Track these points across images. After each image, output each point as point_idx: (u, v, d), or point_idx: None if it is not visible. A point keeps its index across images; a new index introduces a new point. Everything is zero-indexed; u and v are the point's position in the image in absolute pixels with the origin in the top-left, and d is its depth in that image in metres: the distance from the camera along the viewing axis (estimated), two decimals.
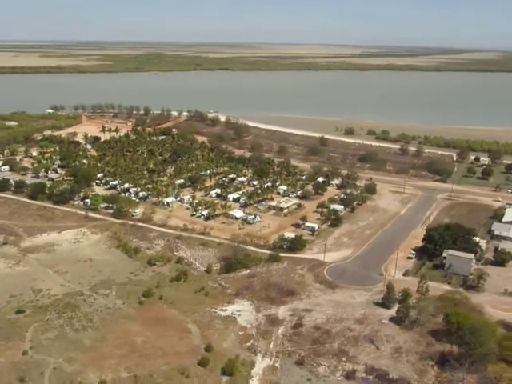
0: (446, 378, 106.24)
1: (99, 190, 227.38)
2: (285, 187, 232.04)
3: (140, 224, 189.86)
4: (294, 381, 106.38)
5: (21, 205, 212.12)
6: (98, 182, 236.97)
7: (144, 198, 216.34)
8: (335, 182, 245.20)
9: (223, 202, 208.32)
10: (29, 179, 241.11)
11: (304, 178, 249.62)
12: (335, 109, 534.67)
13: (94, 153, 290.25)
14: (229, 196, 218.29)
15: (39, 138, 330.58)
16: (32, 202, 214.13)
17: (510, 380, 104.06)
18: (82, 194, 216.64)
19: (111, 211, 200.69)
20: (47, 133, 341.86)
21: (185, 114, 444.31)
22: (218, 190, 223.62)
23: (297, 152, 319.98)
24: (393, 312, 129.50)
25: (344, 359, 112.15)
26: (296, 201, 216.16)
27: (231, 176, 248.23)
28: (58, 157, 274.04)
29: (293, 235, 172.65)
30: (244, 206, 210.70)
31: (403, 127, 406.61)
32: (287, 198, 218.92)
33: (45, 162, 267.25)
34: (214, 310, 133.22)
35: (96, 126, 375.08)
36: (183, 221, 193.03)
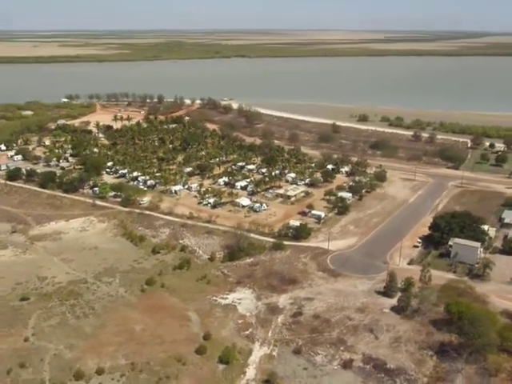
0: (444, 368, 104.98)
1: (109, 179, 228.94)
2: (293, 175, 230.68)
3: (147, 212, 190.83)
4: (290, 370, 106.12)
5: (31, 193, 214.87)
6: (107, 170, 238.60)
7: (152, 187, 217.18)
8: (345, 169, 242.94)
9: (231, 190, 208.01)
10: (40, 168, 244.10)
11: (313, 165, 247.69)
12: (351, 95, 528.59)
13: (106, 141, 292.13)
14: (236, 184, 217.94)
15: (53, 127, 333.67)
16: (42, 190, 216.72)
17: (509, 371, 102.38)
18: (91, 183, 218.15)
19: (119, 200, 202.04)
20: (61, 122, 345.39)
21: (198, 101, 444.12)
22: (226, 178, 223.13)
23: (308, 139, 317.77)
24: (395, 301, 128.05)
25: (342, 348, 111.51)
26: (304, 188, 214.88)
27: (240, 164, 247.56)
28: (69, 146, 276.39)
29: (298, 223, 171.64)
30: (251, 193, 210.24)
31: (419, 113, 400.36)
32: (295, 185, 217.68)
33: (57, 151, 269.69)
34: (214, 298, 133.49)
35: (110, 115, 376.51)
36: (190, 209, 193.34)
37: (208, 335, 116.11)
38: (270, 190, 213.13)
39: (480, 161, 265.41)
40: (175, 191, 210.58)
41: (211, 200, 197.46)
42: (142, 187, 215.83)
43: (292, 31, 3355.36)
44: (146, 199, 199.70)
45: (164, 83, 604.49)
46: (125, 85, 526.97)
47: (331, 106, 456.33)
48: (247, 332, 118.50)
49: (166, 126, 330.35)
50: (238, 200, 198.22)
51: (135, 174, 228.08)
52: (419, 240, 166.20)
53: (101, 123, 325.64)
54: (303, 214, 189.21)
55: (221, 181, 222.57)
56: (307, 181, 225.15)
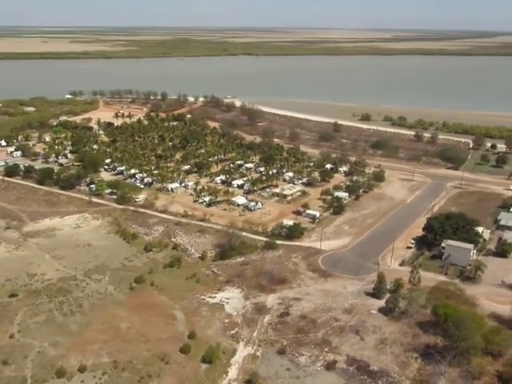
0: (428, 370, 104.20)
1: (106, 176, 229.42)
2: (291, 174, 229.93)
3: (141, 210, 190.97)
4: (273, 370, 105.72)
5: (28, 190, 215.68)
6: (105, 167, 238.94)
7: (149, 184, 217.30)
8: (343, 168, 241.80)
9: (227, 189, 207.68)
10: (39, 164, 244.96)
11: (312, 164, 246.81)
12: (355, 94, 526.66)
13: (106, 138, 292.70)
14: (233, 182, 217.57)
15: (55, 123, 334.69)
16: (39, 187, 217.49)
17: (492, 374, 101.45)
18: (88, 180, 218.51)
19: (115, 197, 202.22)
20: (63, 118, 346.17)
21: (201, 99, 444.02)
22: (223, 177, 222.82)
23: (309, 138, 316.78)
24: (383, 302, 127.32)
25: (326, 349, 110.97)
26: (300, 188, 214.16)
27: (238, 162, 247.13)
28: (69, 142, 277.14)
29: (291, 223, 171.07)
30: (247, 192, 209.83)
31: (423, 113, 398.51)
32: (291, 184, 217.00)
33: (56, 147, 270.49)
34: (203, 297, 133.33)
35: (112, 112, 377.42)
36: (185, 207, 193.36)
37: (193, 334, 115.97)
38: (267, 189, 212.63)
39: (480, 162, 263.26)
40: (171, 189, 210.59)
41: (206, 198, 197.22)
42: (138, 185, 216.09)
43: (300, 29, 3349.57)
44: (141, 197, 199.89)
45: (169, 80, 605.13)
46: (130, 82, 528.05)
47: (334, 104, 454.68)
48: (233, 332, 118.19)
49: (166, 124, 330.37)
50: (233, 198, 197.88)
51: (133, 171, 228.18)
52: (412, 241, 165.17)
53: (102, 120, 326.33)
54: (298, 213, 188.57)
55: (218, 179, 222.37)
56: (305, 180, 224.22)
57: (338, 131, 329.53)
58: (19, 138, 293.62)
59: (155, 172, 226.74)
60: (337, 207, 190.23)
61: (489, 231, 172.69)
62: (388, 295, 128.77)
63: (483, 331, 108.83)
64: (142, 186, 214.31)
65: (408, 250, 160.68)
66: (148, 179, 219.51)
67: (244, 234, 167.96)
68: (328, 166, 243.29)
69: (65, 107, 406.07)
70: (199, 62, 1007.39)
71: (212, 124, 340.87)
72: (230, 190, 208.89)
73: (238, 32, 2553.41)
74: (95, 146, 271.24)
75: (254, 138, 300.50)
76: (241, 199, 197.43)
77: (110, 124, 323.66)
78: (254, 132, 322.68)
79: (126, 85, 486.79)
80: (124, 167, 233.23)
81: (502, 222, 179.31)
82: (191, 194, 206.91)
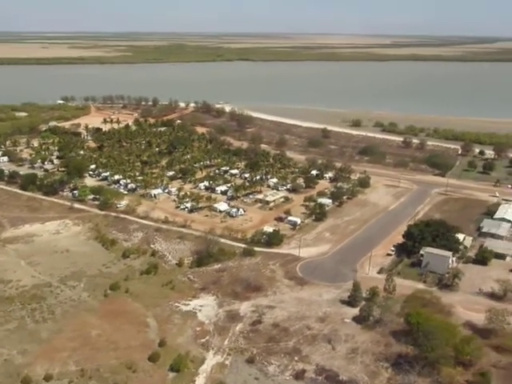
0: (398, 380, 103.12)
1: (91, 182, 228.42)
2: (275, 180, 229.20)
3: (123, 216, 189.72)
4: (241, 379, 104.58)
5: (11, 195, 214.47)
6: (90, 173, 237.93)
7: (133, 190, 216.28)
8: (329, 175, 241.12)
9: (209, 195, 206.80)
10: (25, 170, 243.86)
11: (297, 170, 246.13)
12: (349, 100, 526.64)
13: (93, 144, 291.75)
14: (217, 188, 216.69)
15: (44, 128, 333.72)
16: (23, 192, 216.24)
17: None
18: (71, 185, 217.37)
19: (98, 203, 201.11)
20: (52, 124, 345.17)
21: (192, 105, 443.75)
22: (207, 183, 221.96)
23: (297, 144, 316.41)
24: (358, 311, 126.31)
25: (296, 358, 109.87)
26: (284, 194, 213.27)
27: (224, 168, 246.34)
28: (55, 148, 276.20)
29: (271, 229, 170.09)
30: (231, 198, 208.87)
31: (414, 119, 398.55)
32: (275, 191, 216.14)
33: (43, 153, 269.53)
34: (176, 304, 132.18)
35: (103, 117, 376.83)
36: (167, 213, 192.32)
37: (163, 342, 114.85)
38: (250, 195, 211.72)
39: (467, 168, 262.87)
40: (154, 195, 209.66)
41: (188, 204, 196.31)
42: (122, 191, 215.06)
43: (297, 35, 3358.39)
44: (123, 203, 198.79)
45: (162, 86, 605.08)
46: (122, 87, 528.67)
47: (326, 110, 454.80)
48: (203, 340, 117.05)
49: (154, 129, 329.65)
50: (215, 205, 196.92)
51: (117, 177, 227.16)
52: (393, 248, 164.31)
53: (90, 125, 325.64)
54: (280, 219, 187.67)
55: (201, 185, 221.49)
56: (289, 186, 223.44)
57: (326, 137, 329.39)
58: (7, 143, 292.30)
59: (139, 178, 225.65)
60: (319, 214, 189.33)
61: (471, 238, 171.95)
62: (363, 303, 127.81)
63: (455, 341, 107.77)
64: (125, 192, 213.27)
65: (388, 258, 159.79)
66: (132, 185, 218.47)
67: (223, 240, 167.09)
68: (314, 172, 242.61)
69: (56, 112, 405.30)
70: (193, 67, 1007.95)
71: (201, 130, 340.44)
72: (214, 196, 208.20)
73: (234, 38, 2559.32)
74: (82, 152, 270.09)
75: (241, 143, 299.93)
76: (223, 205, 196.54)
77: (98, 129, 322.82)
78: (242, 138, 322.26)
79: (118, 90, 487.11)
80: (108, 173, 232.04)
81: (484, 230, 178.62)
82: (174, 200, 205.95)
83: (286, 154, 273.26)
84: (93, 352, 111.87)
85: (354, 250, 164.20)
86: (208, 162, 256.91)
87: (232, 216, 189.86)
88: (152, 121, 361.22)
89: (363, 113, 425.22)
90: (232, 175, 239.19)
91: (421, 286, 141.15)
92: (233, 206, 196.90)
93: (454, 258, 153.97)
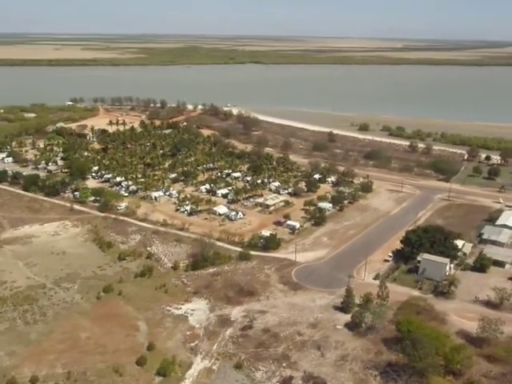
0: None
1: (93, 183, 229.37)
2: (277, 183, 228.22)
3: (122, 218, 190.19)
4: None
5: (14, 196, 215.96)
6: (93, 174, 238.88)
7: (134, 192, 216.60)
8: (331, 179, 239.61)
9: (211, 198, 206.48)
10: (29, 171, 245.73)
11: (300, 174, 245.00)
12: (357, 103, 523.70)
13: (98, 146, 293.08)
14: (218, 191, 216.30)
15: (51, 130, 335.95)
16: (25, 193, 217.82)
17: None
18: (73, 187, 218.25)
19: (98, 204, 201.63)
20: (59, 125, 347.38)
21: (200, 107, 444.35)
22: (208, 186, 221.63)
23: (303, 147, 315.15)
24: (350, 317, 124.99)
25: (284, 365, 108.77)
26: (284, 198, 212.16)
27: (226, 171, 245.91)
28: (60, 149, 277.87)
29: (268, 233, 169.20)
30: (231, 202, 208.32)
31: (422, 123, 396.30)
32: (275, 195, 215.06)
33: (48, 154, 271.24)
34: (168, 307, 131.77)
35: (109, 119, 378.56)
36: (166, 216, 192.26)
37: (152, 346, 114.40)
38: (251, 199, 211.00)
39: (473, 173, 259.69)
40: (155, 197, 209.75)
41: (188, 207, 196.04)
42: (123, 193, 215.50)
43: (310, 38, 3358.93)
44: (123, 205, 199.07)
45: (172, 88, 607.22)
46: (133, 89, 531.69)
47: (334, 114, 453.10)
48: (192, 344, 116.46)
49: (159, 132, 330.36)
50: (214, 208, 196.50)
51: (118, 179, 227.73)
52: (390, 254, 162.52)
53: (96, 127, 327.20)
54: (278, 223, 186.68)
55: (203, 188, 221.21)
56: (290, 190, 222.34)
57: (332, 141, 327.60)
58: (13, 144, 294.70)
59: (141, 180, 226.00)
60: (318, 218, 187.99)
61: (471, 245, 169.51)
62: (356, 310, 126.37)
63: (445, 350, 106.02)
64: (126, 194, 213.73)
65: (385, 264, 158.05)
66: (133, 187, 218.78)
67: (220, 244, 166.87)
68: (316, 176, 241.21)
69: (64, 114, 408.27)
70: (206, 69, 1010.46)
71: (207, 132, 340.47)
72: (215, 199, 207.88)
73: (248, 40, 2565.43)
74: (86, 154, 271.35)
75: (245, 146, 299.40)
76: (222, 209, 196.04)
77: (104, 131, 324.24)
78: (247, 141, 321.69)
79: (129, 92, 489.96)
80: (110, 175, 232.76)
81: (484, 236, 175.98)
82: (174, 203, 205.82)
83: (289, 157, 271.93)
84: (81, 355, 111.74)
85: (352, 255, 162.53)
86: (211, 165, 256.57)
87: (231, 219, 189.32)
88: (158, 123, 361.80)
89: (371, 117, 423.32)
90: (234, 178, 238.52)
91: (416, 292, 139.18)
92: (232, 210, 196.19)
93: (451, 265, 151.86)
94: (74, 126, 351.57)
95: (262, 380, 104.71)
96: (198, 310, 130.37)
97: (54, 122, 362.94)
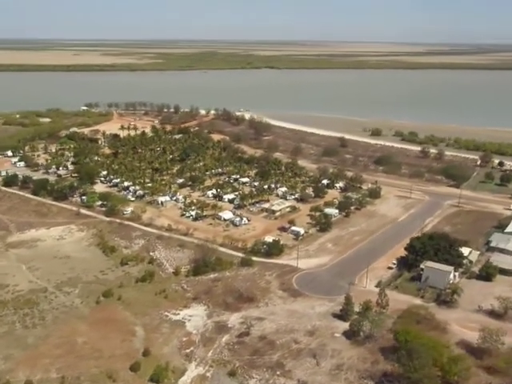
0: None
1: (101, 188, 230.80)
2: (284, 189, 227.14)
3: (127, 223, 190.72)
4: None
5: (23, 200, 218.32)
6: (102, 179, 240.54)
7: (141, 197, 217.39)
8: (339, 184, 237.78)
9: (216, 203, 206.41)
10: (40, 175, 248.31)
11: (308, 179, 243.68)
12: (372, 108, 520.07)
13: (109, 150, 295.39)
14: (224, 197, 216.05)
15: (64, 134, 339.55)
16: (34, 197, 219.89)
17: None
18: (81, 191, 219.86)
19: (105, 209, 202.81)
20: (73, 130, 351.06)
21: (212, 112, 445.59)
22: (215, 191, 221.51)
23: (313, 153, 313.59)
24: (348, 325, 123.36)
25: (278, 373, 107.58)
26: (290, 203, 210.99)
27: (234, 176, 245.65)
28: (71, 154, 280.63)
29: (271, 239, 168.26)
30: (237, 207, 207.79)
31: (436, 128, 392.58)
32: (281, 200, 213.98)
33: (59, 158, 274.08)
34: (166, 313, 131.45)
35: (125, 124, 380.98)
36: (171, 221, 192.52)
37: (147, 351, 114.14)
38: (257, 204, 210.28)
39: (484, 180, 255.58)
40: (161, 202, 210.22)
41: (193, 212, 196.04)
42: (130, 197, 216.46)
43: (330, 42, 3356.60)
44: (129, 209, 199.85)
45: (187, 93, 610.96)
46: (149, 94, 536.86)
47: (348, 118, 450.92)
48: (188, 350, 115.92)
49: (170, 136, 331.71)
50: (220, 213, 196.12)
51: (126, 183, 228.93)
52: (394, 261, 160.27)
53: (108, 132, 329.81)
54: (283, 229, 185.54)
55: (209, 193, 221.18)
56: (297, 195, 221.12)
57: (343, 146, 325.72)
58: (26, 148, 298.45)
59: (149, 185, 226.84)
60: (323, 224, 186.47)
61: (478, 253, 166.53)
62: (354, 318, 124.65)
63: (442, 361, 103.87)
64: (133, 199, 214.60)
65: (388, 271, 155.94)
66: (140, 192, 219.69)
67: (223, 249, 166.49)
68: (324, 181, 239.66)
69: (79, 119, 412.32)
70: (222, 74, 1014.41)
71: (218, 137, 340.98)
72: (221, 204, 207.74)
73: (262, 45, 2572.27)
74: (96, 158, 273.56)
75: (254, 151, 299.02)
76: (227, 214, 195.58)
77: (116, 136, 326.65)
78: (258, 146, 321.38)
79: (144, 97, 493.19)
80: (119, 179, 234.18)
81: (492, 244, 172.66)
82: (180, 208, 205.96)
83: (297, 162, 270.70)
84: (76, 360, 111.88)
85: (355, 262, 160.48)
86: (220, 170, 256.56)
87: (235, 225, 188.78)
88: (169, 128, 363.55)
89: (385, 122, 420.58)
90: (242, 183, 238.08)
91: (418, 301, 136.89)
92: (237, 215, 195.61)
93: (456, 273, 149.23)
94: (86, 130, 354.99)
95: None
96: (195, 316, 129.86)
97: (67, 127, 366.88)
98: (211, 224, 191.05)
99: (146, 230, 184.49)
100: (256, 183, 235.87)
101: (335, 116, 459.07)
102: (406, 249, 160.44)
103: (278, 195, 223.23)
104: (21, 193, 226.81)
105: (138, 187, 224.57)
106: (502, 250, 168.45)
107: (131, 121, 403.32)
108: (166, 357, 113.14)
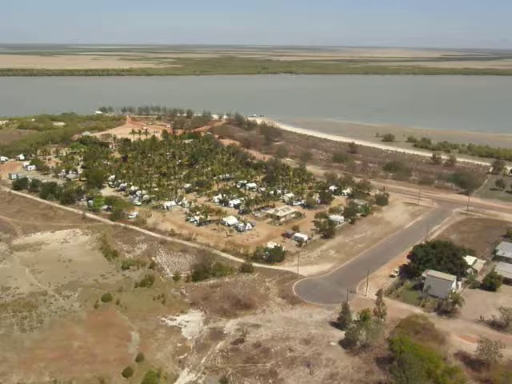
0: None
1: (109, 192, 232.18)
2: (291, 195, 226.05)
3: (131, 227, 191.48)
4: None
5: (31, 203, 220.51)
6: (109, 183, 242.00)
7: (147, 201, 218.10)
8: (346, 190, 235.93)
9: (221, 208, 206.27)
10: (49, 178, 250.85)
11: (315, 185, 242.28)
12: (386, 114, 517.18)
13: (118, 155, 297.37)
14: (230, 202, 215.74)
15: (76, 138, 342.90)
16: (42, 201, 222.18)
17: None
18: (88, 195, 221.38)
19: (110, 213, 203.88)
20: (85, 134, 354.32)
21: (225, 117, 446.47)
22: (221, 196, 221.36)
23: (323, 158, 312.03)
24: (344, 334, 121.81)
25: (270, 381, 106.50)
26: (295, 209, 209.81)
27: (242, 181, 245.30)
28: (80, 158, 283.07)
29: (273, 246, 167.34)
30: (243, 212, 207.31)
31: (450, 134, 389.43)
32: (287, 206, 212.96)
33: (69, 162, 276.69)
34: (163, 318, 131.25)
35: (138, 128, 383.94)
36: (176, 225, 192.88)
37: (141, 357, 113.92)
38: (262, 210, 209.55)
39: (495, 187, 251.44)
40: (167, 207, 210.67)
41: (197, 217, 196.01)
42: (136, 201, 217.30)
43: (346, 48, 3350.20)
44: (134, 214, 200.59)
45: (201, 98, 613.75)
46: (163, 98, 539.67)
47: (361, 124, 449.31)
48: (181, 356, 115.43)
49: (179, 141, 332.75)
50: (224, 218, 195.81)
51: (133, 188, 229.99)
52: (396, 270, 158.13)
53: (119, 136, 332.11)
54: (286, 235, 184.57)
55: (215, 198, 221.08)
56: (303, 201, 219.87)
57: (354, 152, 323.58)
58: (38, 152, 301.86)
59: (156, 189, 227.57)
60: (327, 231, 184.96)
61: (483, 262, 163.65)
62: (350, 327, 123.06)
63: (437, 372, 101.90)
64: (139, 203, 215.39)
65: (390, 279, 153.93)
66: (146, 196, 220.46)
67: (225, 255, 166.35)
68: (332, 187, 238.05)
69: (92, 123, 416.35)
70: (237, 79, 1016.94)
71: (229, 142, 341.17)
72: (227, 209, 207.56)
73: (284, 51, 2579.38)
74: (106, 162, 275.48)
75: (263, 157, 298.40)
76: (231, 219, 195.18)
77: (126, 140, 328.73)
78: (268, 151, 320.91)
79: (158, 101, 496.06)
80: (126, 183, 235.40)
81: (499, 253, 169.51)
82: (186, 213, 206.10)
83: (305, 168, 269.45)
84: (70, 364, 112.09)
85: (357, 269, 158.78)
86: (227, 175, 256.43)
87: (239, 230, 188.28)
88: (179, 132, 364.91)
89: (398, 127, 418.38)
90: (249, 189, 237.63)
91: (418, 310, 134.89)
92: (242, 221, 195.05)
93: (459, 283, 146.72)
94: (98, 135, 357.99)
95: None
96: (192, 322, 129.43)
97: (80, 131, 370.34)
98: (215, 229, 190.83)
99: (149, 235, 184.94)
100: (263, 189, 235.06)
101: (348, 121, 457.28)
102: (408, 257, 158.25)
103: (284, 201, 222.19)
104: (29, 196, 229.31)
105: (144, 192, 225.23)
106: (508, 260, 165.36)
107: (143, 125, 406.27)
108: (159, 363, 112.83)
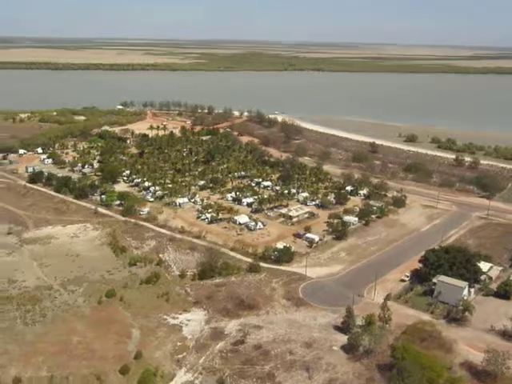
0: None
1: (123, 187, 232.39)
2: (305, 194, 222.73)
3: (142, 223, 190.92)
4: None
5: (45, 197, 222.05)
6: (124, 178, 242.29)
7: (160, 198, 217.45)
8: (363, 191, 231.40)
9: (233, 206, 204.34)
10: (65, 172, 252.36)
11: (331, 185, 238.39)
12: (412, 113, 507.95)
13: (136, 150, 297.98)
14: (243, 200, 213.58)
15: (95, 133, 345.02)
16: (56, 194, 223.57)
17: None
18: (102, 190, 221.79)
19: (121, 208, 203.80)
20: (104, 128, 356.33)
21: (246, 114, 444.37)
22: (234, 194, 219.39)
23: (342, 158, 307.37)
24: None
25: None
26: (309, 209, 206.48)
27: (257, 180, 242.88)
28: (98, 152, 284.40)
29: (282, 246, 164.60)
30: (255, 211, 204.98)
31: (476, 136, 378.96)
32: (300, 206, 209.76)
33: (86, 156, 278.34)
34: (165, 316, 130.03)
35: (158, 123, 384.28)
36: (186, 223, 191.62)
37: (139, 355, 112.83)
38: (275, 209, 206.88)
39: None
40: (179, 204, 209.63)
41: (208, 215, 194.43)
42: (149, 197, 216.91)
43: (375, 45, 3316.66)
44: (146, 210, 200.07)
45: (224, 94, 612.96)
46: (185, 94, 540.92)
47: (384, 123, 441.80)
48: (180, 356, 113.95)
49: (197, 138, 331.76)
50: (235, 217, 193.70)
51: (147, 184, 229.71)
52: (407, 274, 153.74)
53: (138, 131, 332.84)
54: (298, 236, 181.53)
55: (229, 196, 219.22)
56: (318, 201, 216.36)
57: (374, 152, 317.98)
58: (56, 145, 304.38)
59: (169, 186, 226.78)
60: (339, 232, 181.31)
61: (500, 268, 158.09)
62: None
63: (439, 381, 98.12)
64: (151, 200, 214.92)
65: (400, 284, 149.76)
66: (159, 192, 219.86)
67: (233, 254, 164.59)
68: (348, 187, 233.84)
69: (113, 117, 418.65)
70: (262, 76, 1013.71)
71: (248, 139, 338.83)
72: (239, 207, 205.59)
73: (312, 47, 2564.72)
74: (123, 157, 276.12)
75: (281, 155, 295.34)
76: (243, 218, 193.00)
77: (144, 136, 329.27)
78: (287, 149, 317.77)
79: (181, 97, 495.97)
80: (140, 179, 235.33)
81: None
82: (198, 210, 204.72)
83: (322, 167, 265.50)
84: (68, 359, 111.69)
85: (367, 273, 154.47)
86: (243, 173, 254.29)
87: (250, 229, 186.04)
88: (198, 129, 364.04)
89: (423, 128, 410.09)
90: (264, 187, 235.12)
91: (427, 317, 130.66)
92: (253, 220, 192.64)
93: (471, 290, 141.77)
94: (117, 129, 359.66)
95: None
96: (193, 321, 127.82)
97: (100, 126, 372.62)
98: (226, 227, 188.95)
99: (159, 231, 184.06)
100: (278, 187, 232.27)
101: (371, 121, 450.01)
102: (420, 261, 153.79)
103: (298, 200, 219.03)
104: (44, 189, 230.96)
105: (158, 188, 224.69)
106: None
107: (164, 121, 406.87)
108: (156, 361, 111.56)
